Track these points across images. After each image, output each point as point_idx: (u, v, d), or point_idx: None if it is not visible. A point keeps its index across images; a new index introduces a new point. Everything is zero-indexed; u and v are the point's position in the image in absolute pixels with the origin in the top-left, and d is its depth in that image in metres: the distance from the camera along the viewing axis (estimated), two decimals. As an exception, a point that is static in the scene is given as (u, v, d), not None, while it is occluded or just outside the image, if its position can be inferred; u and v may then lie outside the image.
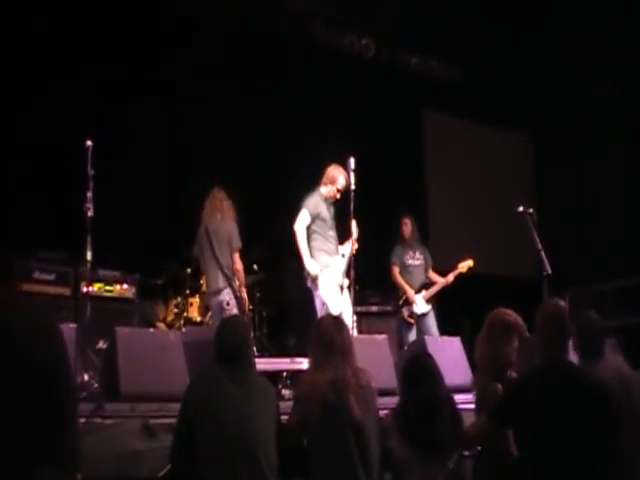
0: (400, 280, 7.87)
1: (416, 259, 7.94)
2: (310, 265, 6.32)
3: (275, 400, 3.64)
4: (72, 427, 2.41)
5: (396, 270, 7.91)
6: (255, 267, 8.10)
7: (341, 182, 6.47)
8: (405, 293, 7.79)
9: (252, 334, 7.46)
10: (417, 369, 3.86)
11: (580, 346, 4.33)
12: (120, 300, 6.92)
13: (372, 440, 3.58)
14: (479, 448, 3.88)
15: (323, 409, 3.52)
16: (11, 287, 2.46)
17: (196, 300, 7.60)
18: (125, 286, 6.98)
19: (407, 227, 7.99)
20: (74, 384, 2.38)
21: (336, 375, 3.61)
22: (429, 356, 4.07)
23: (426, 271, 7.92)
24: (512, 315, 3.92)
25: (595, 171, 9.72)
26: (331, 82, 9.24)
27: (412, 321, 7.69)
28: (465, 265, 7.82)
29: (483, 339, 3.95)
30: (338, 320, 4.11)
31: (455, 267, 7.85)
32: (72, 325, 4.81)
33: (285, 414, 3.76)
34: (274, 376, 5.98)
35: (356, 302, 8.16)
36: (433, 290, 7.84)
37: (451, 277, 7.82)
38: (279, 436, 3.49)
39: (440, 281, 7.88)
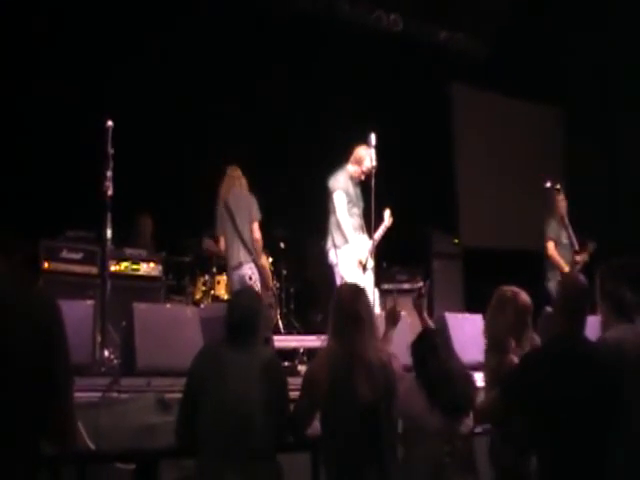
0: (557, 257, 7.65)
1: (567, 238, 7.71)
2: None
3: (280, 375, 3.55)
4: (66, 399, 2.46)
5: (552, 245, 7.68)
6: (282, 245, 8.16)
7: (367, 164, 6.45)
8: (562, 271, 7.54)
9: (279, 311, 7.61)
10: (424, 349, 3.76)
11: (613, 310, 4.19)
12: (147, 278, 6.96)
13: (385, 422, 3.40)
14: (491, 427, 3.85)
15: (329, 392, 3.37)
16: (12, 263, 2.50)
17: (223, 278, 7.64)
18: (152, 264, 7.03)
19: (564, 203, 7.77)
20: (68, 357, 2.42)
21: (347, 351, 3.41)
22: (434, 333, 4.00)
23: (576, 251, 7.65)
24: (516, 292, 3.86)
25: (628, 143, 9.49)
26: (358, 57, 9.16)
27: None
28: (592, 245, 7.62)
29: (489, 318, 3.91)
30: (357, 288, 3.79)
31: (584, 248, 7.64)
32: (89, 301, 4.88)
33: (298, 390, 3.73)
34: (291, 352, 6.02)
35: (384, 280, 8.23)
36: (577, 269, 7.63)
37: (586, 257, 7.60)
38: (284, 415, 3.45)
39: (580, 261, 7.65)
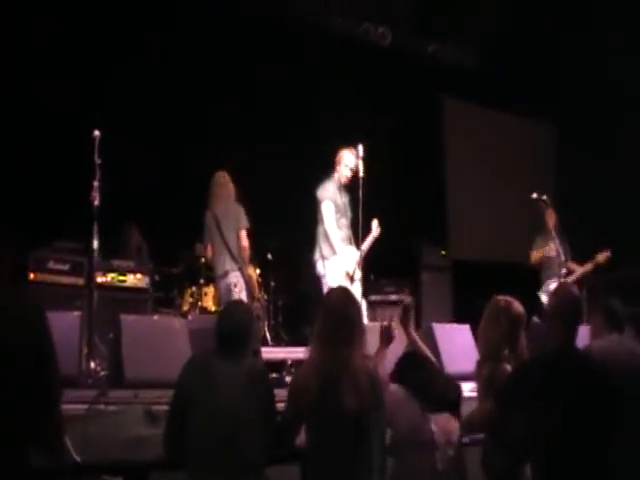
0: (539, 254, 7.84)
1: (554, 250, 7.73)
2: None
3: (268, 387, 3.52)
4: (55, 410, 2.44)
5: (533, 254, 7.90)
6: (270, 257, 8.15)
7: (348, 160, 6.45)
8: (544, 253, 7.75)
9: (267, 323, 7.59)
10: (410, 361, 3.82)
11: (605, 320, 4.22)
12: (134, 290, 6.96)
13: (373, 432, 3.36)
14: (485, 436, 3.84)
15: (315, 402, 3.34)
16: (3, 267, 2.48)
17: (211, 289, 7.63)
18: (139, 276, 7.01)
19: (552, 215, 7.84)
20: (57, 369, 2.40)
21: (333, 360, 3.37)
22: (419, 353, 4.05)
23: (561, 263, 7.67)
24: (509, 301, 3.88)
25: (619, 156, 9.54)
26: (348, 71, 9.20)
27: None
28: (603, 256, 7.64)
29: (483, 327, 3.92)
30: (347, 293, 3.69)
31: (593, 257, 7.68)
32: (76, 313, 4.84)
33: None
34: (279, 363, 6.01)
35: (372, 291, 8.23)
36: (571, 279, 7.53)
37: (589, 266, 7.68)
38: (272, 426, 3.42)
39: (579, 270, 7.72)
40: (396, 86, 9.63)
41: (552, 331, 3.45)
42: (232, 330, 3.50)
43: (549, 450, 3.21)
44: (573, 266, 7.75)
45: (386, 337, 4.10)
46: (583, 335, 4.10)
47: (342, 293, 3.69)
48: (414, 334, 4.25)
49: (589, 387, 3.26)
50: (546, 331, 3.55)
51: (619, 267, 7.99)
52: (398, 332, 5.36)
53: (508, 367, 3.72)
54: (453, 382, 3.80)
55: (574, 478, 3.17)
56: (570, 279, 7.45)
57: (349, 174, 6.46)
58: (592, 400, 3.23)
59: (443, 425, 3.57)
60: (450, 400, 3.66)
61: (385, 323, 4.18)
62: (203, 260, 7.52)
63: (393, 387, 3.70)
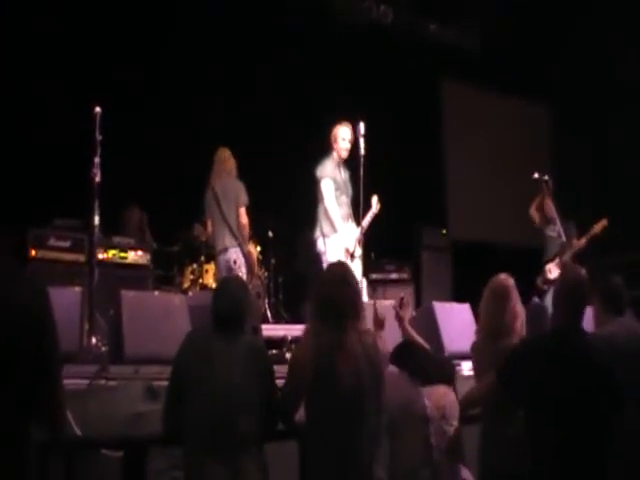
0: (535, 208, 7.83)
1: (554, 231, 7.70)
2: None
3: (267, 364, 3.52)
4: (56, 385, 2.45)
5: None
6: (271, 234, 8.15)
7: (343, 133, 6.44)
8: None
9: (267, 300, 7.61)
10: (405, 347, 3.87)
11: (604, 304, 4.22)
12: (134, 266, 6.97)
13: (371, 406, 3.38)
14: (484, 416, 3.86)
15: (313, 377, 3.36)
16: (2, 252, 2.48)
17: (212, 267, 7.62)
18: (140, 253, 7.03)
19: (550, 195, 7.78)
20: (57, 343, 2.41)
21: (329, 336, 3.38)
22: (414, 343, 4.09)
23: (563, 244, 7.60)
24: (509, 279, 3.89)
25: (615, 140, 9.54)
26: (348, 49, 9.15)
27: (545, 288, 7.47)
28: (600, 226, 7.50)
29: (484, 306, 3.93)
30: (341, 270, 3.64)
31: (589, 229, 7.54)
32: (77, 289, 4.85)
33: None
34: (279, 340, 6.04)
35: (372, 270, 8.25)
36: (568, 255, 7.50)
37: (583, 241, 7.56)
38: (272, 403, 3.42)
39: (575, 245, 7.60)
40: (397, 66, 9.60)
41: (557, 311, 3.46)
42: (227, 307, 3.48)
43: (548, 436, 3.22)
44: (575, 244, 7.73)
45: (378, 324, 4.13)
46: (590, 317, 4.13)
47: (334, 272, 3.65)
48: (409, 329, 4.28)
49: (589, 375, 3.23)
50: (552, 311, 3.56)
51: (617, 251, 8.00)
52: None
53: (509, 346, 3.73)
54: (447, 359, 3.85)
55: (573, 463, 3.17)
56: (566, 256, 7.44)
57: (348, 146, 6.45)
58: (591, 388, 3.20)
59: (437, 400, 3.59)
60: (444, 373, 3.69)
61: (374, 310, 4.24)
62: (204, 239, 7.53)
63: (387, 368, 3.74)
